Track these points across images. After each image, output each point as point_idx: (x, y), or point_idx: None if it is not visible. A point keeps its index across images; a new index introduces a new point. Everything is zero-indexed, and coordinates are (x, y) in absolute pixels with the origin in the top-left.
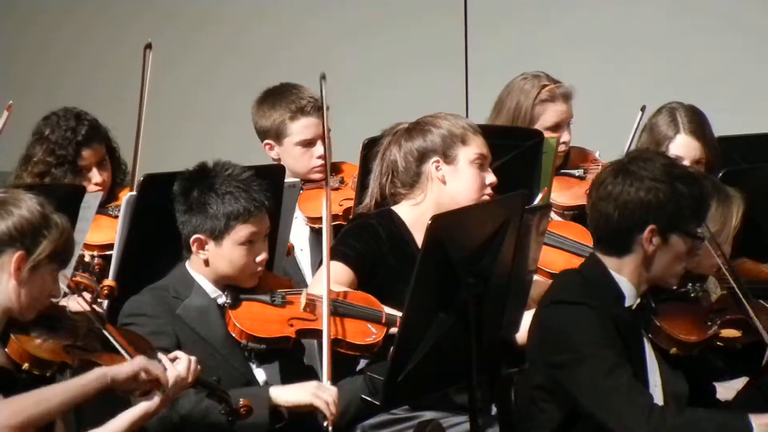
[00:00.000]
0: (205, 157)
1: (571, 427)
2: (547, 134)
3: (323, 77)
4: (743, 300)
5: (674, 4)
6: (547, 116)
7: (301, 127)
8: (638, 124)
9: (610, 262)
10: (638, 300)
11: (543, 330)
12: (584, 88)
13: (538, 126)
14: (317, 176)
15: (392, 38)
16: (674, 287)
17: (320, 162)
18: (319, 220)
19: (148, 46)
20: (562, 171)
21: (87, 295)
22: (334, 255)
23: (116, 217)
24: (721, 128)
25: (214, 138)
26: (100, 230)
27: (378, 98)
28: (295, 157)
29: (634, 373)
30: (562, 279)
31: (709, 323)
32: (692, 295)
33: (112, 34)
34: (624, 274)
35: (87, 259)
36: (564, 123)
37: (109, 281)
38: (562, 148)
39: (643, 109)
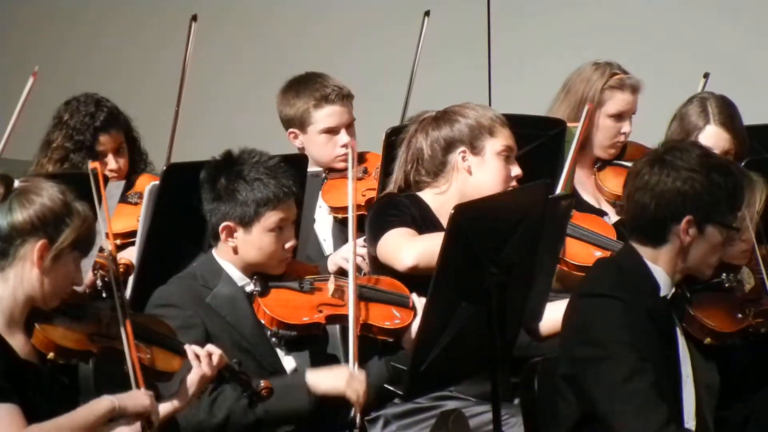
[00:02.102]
0: (224, 147)
1: (592, 421)
2: (606, 121)
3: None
4: None
5: None
6: (613, 103)
7: (324, 116)
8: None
9: (645, 252)
10: (673, 290)
11: (573, 320)
12: None
13: (601, 112)
14: (341, 165)
15: (416, 26)
16: (708, 277)
17: (344, 151)
18: (342, 209)
19: (194, 18)
20: (615, 162)
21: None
22: (387, 227)
23: (136, 204)
24: (747, 117)
25: (233, 129)
26: (121, 218)
27: (401, 87)
28: (319, 145)
29: (667, 367)
30: (598, 268)
31: (744, 313)
32: (726, 285)
33: (131, 23)
34: (659, 264)
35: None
36: (627, 114)
37: (125, 259)
38: (621, 139)
39: (706, 76)
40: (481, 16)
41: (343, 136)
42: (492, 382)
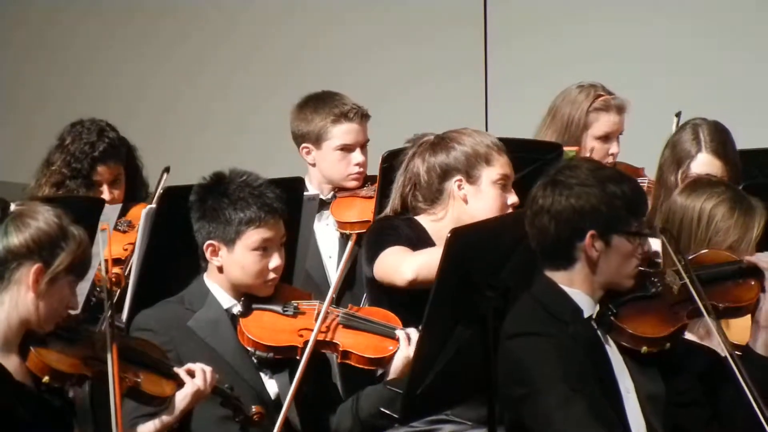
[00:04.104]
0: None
1: None
2: (593, 143)
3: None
4: (692, 289)
5: (697, 17)
6: (599, 125)
7: (342, 132)
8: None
9: (559, 277)
10: (597, 308)
11: (503, 365)
12: None
13: (588, 134)
14: (352, 184)
15: (412, 50)
16: (631, 287)
17: (357, 169)
18: (349, 225)
19: (166, 170)
20: None
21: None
22: (384, 245)
23: (124, 231)
24: (743, 141)
25: (231, 152)
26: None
27: (397, 110)
28: (333, 162)
29: (603, 387)
30: (516, 308)
31: (676, 315)
32: (653, 290)
33: (130, 44)
34: (576, 286)
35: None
36: (614, 135)
37: (117, 269)
38: (609, 159)
39: (678, 114)
40: (477, 39)
41: (357, 155)
42: (488, 406)
